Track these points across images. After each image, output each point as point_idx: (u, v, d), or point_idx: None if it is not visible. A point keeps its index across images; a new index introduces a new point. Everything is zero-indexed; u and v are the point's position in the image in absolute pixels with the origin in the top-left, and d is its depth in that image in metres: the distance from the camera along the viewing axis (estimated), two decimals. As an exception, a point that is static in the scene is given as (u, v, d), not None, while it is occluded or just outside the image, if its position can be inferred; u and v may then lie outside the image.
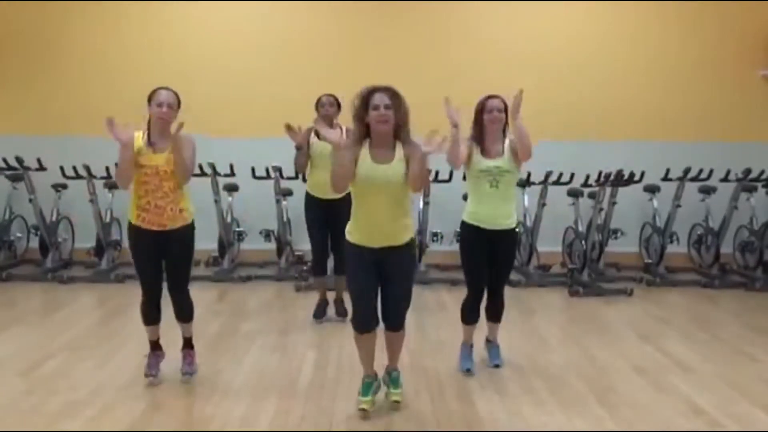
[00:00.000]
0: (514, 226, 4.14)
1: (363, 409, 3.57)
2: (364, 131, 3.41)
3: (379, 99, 3.31)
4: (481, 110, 4.04)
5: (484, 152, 4.03)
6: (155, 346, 4.06)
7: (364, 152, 3.39)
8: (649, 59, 7.63)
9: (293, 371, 4.26)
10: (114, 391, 3.87)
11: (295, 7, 7.55)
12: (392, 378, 3.77)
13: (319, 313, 5.37)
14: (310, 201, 5.25)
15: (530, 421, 3.59)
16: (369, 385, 3.67)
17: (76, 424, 3.46)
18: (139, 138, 3.72)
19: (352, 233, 3.49)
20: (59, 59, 7.56)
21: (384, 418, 3.60)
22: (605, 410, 3.72)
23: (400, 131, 3.39)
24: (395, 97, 3.34)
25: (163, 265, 3.86)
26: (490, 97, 4.05)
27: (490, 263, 4.15)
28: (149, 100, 3.74)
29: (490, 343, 4.43)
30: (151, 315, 3.95)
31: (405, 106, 3.38)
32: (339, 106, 5.06)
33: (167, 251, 3.81)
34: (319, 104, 5.10)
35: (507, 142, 4.06)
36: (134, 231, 3.80)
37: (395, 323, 3.59)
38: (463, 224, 4.15)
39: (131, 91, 7.32)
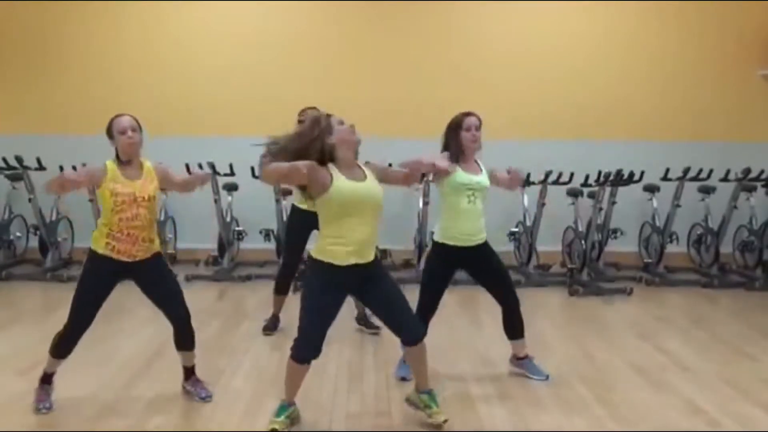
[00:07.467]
0: (485, 240, 4.03)
1: (274, 429, 3.33)
2: (320, 155, 3.22)
3: (341, 119, 3.28)
4: (458, 126, 3.94)
5: (463, 167, 3.91)
6: (50, 379, 3.69)
7: (335, 174, 3.21)
8: (648, 59, 7.64)
9: (293, 371, 4.26)
10: (114, 391, 3.87)
11: (294, 7, 7.56)
12: (431, 396, 3.49)
13: (272, 326, 5.13)
14: (296, 214, 4.95)
15: (530, 421, 3.59)
16: (284, 408, 3.41)
17: (76, 424, 3.46)
18: (112, 166, 3.51)
19: (327, 253, 3.23)
20: (59, 59, 7.56)
21: (384, 418, 3.60)
22: (604, 410, 3.72)
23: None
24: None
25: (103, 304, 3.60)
26: (467, 114, 3.96)
27: (484, 281, 4.07)
28: (110, 131, 3.53)
29: (522, 360, 4.15)
30: (67, 350, 3.62)
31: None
32: None
33: (146, 283, 3.62)
34: (301, 116, 4.91)
35: (481, 163, 4.03)
36: (98, 261, 3.51)
37: (417, 332, 3.41)
38: (434, 244, 4.00)
39: (131, 91, 7.45)
